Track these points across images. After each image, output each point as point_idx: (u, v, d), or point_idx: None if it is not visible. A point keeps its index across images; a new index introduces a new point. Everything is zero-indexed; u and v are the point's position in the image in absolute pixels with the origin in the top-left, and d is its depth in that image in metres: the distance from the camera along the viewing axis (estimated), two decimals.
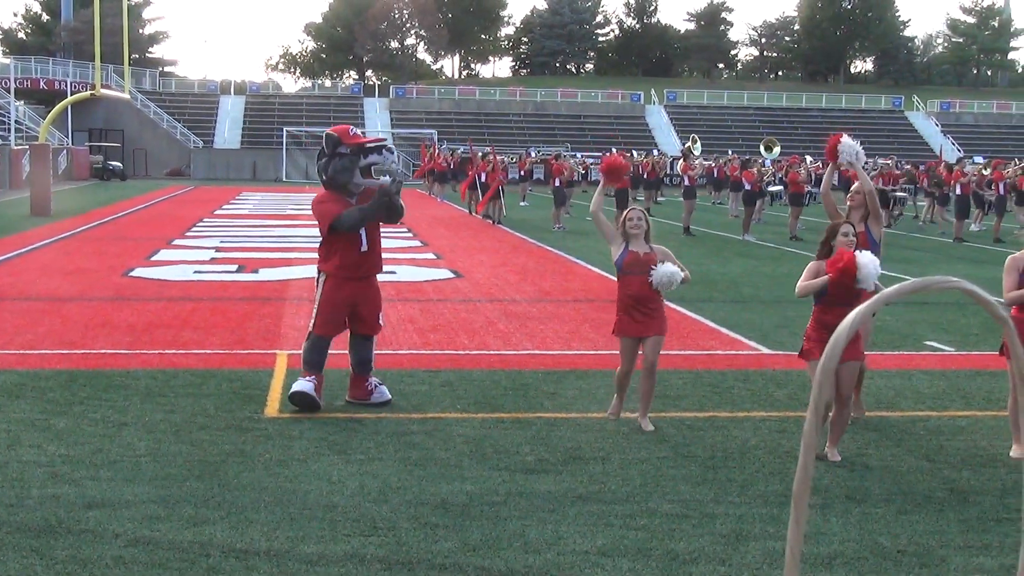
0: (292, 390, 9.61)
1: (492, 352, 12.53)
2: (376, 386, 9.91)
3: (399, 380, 10.84)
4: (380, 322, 10.12)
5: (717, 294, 17.86)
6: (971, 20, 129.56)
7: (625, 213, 9.40)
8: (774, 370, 11.68)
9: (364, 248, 9.83)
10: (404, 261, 22.03)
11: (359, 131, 10.28)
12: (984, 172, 35.59)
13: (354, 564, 6.09)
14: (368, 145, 9.87)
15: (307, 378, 9.68)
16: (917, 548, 6.52)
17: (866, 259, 7.96)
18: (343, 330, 10.04)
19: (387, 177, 9.90)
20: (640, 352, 9.29)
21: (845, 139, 10.19)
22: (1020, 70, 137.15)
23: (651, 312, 9.28)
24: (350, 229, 9.74)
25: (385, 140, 10.30)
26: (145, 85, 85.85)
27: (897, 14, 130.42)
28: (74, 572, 5.91)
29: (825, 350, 2.04)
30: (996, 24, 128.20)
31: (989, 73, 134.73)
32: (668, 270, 9.10)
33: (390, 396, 9.91)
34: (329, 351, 9.93)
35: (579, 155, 62.41)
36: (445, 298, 16.87)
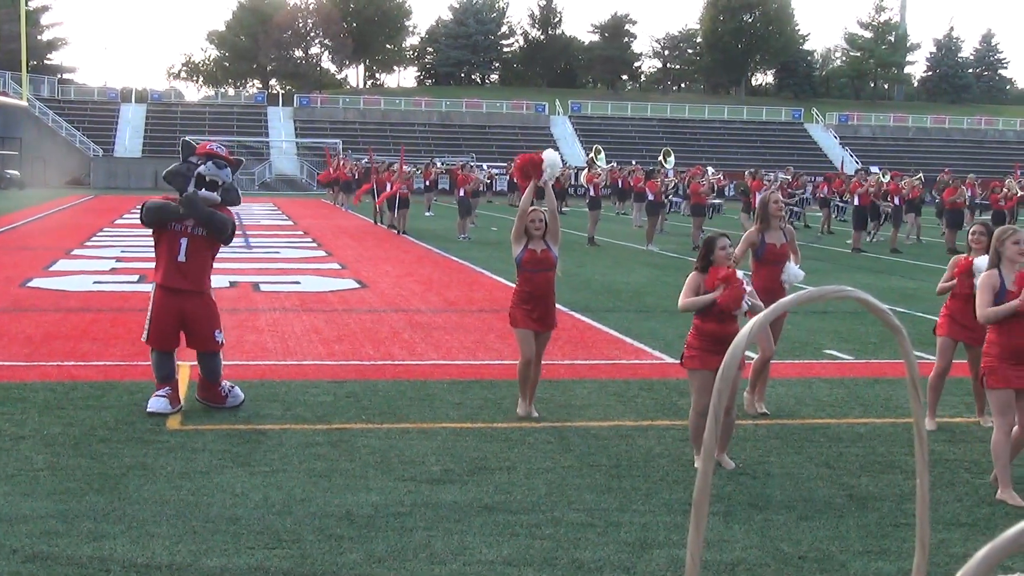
0: (147, 409, 9.61)
1: (397, 362, 12.50)
2: (229, 390, 9.96)
3: (304, 391, 10.78)
4: (217, 339, 9.96)
5: (621, 303, 17.99)
6: (868, 35, 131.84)
7: (529, 213, 9.71)
8: (677, 379, 11.76)
9: (181, 258, 9.73)
10: (308, 271, 21.88)
11: (226, 150, 10.19)
12: (882, 180, 36.27)
13: None
14: (208, 155, 9.84)
15: (159, 391, 9.71)
16: (818, 554, 6.62)
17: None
18: (178, 343, 9.98)
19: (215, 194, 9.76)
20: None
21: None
22: (915, 84, 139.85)
23: (548, 307, 9.84)
24: (148, 218, 9.77)
25: (226, 154, 10.12)
26: (44, 92, 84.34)
27: (797, 28, 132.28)
28: None
29: (725, 358, 2.06)
30: (892, 39, 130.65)
31: (886, 87, 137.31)
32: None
33: (243, 396, 10.03)
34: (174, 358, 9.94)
35: (484, 166, 62.40)
36: (350, 308, 16.79)
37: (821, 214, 40.31)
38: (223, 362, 10.20)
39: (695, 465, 8.38)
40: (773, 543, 6.78)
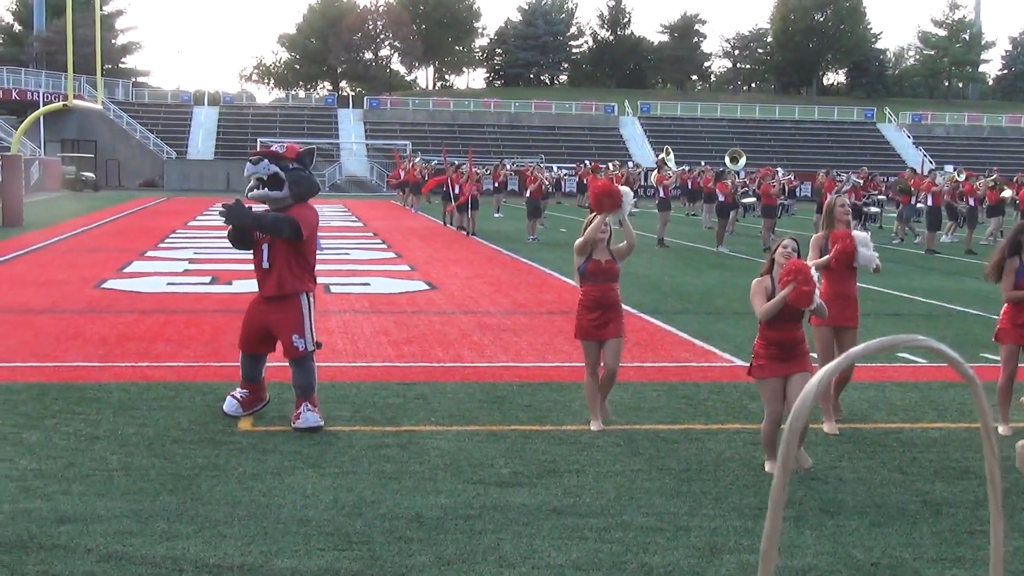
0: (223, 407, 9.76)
1: (466, 364, 12.53)
2: (304, 412, 9.35)
3: (373, 393, 10.83)
4: (297, 345, 9.41)
5: (691, 306, 17.90)
6: (942, 33, 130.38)
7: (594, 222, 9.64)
8: (747, 383, 11.66)
9: (265, 264, 9.50)
10: (378, 273, 22.01)
11: (285, 147, 9.91)
12: (958, 179, 35.84)
13: None
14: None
15: (235, 393, 9.80)
16: (890, 561, 6.54)
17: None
18: (258, 349, 9.75)
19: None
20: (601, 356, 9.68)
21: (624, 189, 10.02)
22: (991, 82, 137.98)
23: (612, 317, 9.61)
24: (232, 242, 9.75)
25: (267, 148, 9.93)
26: (118, 95, 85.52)
27: (869, 27, 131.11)
28: None
29: (794, 406, 2.04)
30: (967, 37, 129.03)
31: (960, 85, 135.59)
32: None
33: (318, 422, 9.31)
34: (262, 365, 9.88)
35: (554, 167, 62.38)
36: (419, 310, 16.85)
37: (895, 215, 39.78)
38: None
39: (766, 469, 8.33)
40: (845, 549, 6.71)
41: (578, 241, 9.67)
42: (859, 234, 10.03)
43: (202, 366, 12.14)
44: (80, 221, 37.32)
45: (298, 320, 9.44)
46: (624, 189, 9.90)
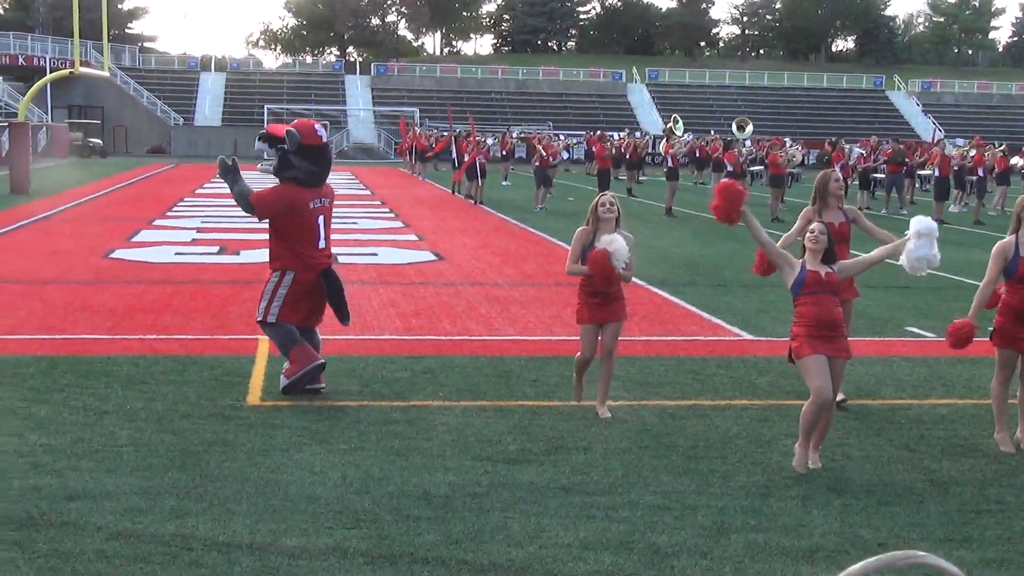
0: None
1: (474, 338, 12.53)
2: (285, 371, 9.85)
3: (381, 367, 10.85)
4: (257, 313, 10.06)
5: (699, 278, 17.88)
6: (952, 0, 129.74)
7: (598, 198, 9.31)
8: (756, 356, 11.70)
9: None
10: (386, 243, 21.99)
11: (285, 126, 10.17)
12: (969, 153, 35.73)
13: (337, 558, 6.09)
14: None
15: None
16: (898, 541, 6.54)
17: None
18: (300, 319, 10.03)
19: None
20: (599, 339, 9.28)
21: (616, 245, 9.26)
22: (1000, 49, 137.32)
23: (610, 298, 9.24)
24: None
25: (276, 127, 10.28)
26: (125, 61, 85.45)
27: None
28: (56, 566, 5.88)
29: None
30: (977, 3, 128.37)
31: (970, 52, 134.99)
32: (622, 246, 8.99)
33: (283, 382, 9.70)
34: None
35: (561, 135, 62.19)
36: (427, 281, 16.85)
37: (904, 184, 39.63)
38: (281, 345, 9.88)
39: (801, 465, 7.79)
40: (852, 529, 6.72)
41: (568, 266, 9.32)
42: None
43: (210, 339, 12.16)
44: (87, 189, 37.31)
45: (263, 292, 9.98)
46: (616, 245, 8.96)
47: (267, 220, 9.99)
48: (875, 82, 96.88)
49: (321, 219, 9.95)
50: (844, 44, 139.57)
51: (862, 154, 37.28)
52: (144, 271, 17.43)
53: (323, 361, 9.80)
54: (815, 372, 7.70)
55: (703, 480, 7.60)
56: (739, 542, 6.46)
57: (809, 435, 7.82)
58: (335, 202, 10.40)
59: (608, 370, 9.31)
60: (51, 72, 56.14)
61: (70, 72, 44.76)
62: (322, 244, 9.96)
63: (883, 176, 36.46)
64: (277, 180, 10.00)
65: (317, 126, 10.11)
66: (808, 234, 8.00)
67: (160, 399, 9.41)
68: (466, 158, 35.14)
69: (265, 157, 10.06)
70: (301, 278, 9.83)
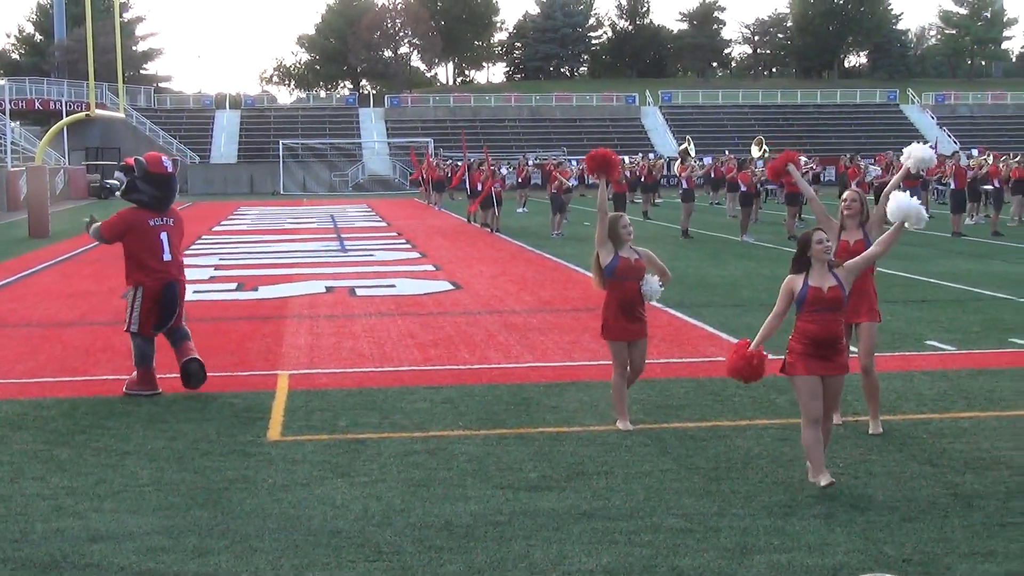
0: None
1: (493, 366, 12.54)
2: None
3: (401, 398, 10.86)
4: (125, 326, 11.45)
5: (717, 298, 17.86)
6: (963, 11, 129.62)
7: (620, 219, 9.52)
8: (775, 376, 11.62)
9: None
10: (403, 274, 22.04)
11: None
12: (986, 163, 35.68)
13: None
14: None
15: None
16: (922, 556, 6.51)
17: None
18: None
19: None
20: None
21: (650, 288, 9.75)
22: (1014, 60, 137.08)
23: (639, 316, 9.60)
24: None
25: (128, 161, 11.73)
26: (140, 102, 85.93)
27: (889, 7, 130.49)
28: None
29: None
30: (988, 15, 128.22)
31: (983, 64, 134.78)
32: (656, 286, 9.57)
33: (125, 390, 11.27)
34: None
35: (575, 161, 62.25)
36: (445, 311, 16.87)
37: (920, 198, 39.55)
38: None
39: (819, 482, 7.72)
40: (876, 546, 6.69)
41: (597, 233, 9.62)
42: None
43: (230, 375, 12.19)
44: None
45: (126, 307, 11.37)
46: (650, 288, 9.59)
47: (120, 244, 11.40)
48: (889, 96, 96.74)
49: (164, 236, 11.31)
50: (856, 59, 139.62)
51: (879, 172, 37.22)
52: None
53: (160, 392, 11.13)
54: (805, 394, 7.83)
55: (725, 501, 7.58)
56: (762, 563, 6.44)
57: (816, 455, 7.79)
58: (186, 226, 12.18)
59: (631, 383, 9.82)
60: (67, 115, 56.51)
61: (86, 115, 44.96)
62: (167, 257, 11.26)
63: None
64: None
65: (164, 158, 11.64)
66: (816, 244, 7.91)
67: (181, 437, 9.44)
68: (480, 187, 35.20)
69: (118, 183, 11.53)
70: (150, 290, 11.15)
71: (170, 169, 11.57)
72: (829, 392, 7.92)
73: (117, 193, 11.60)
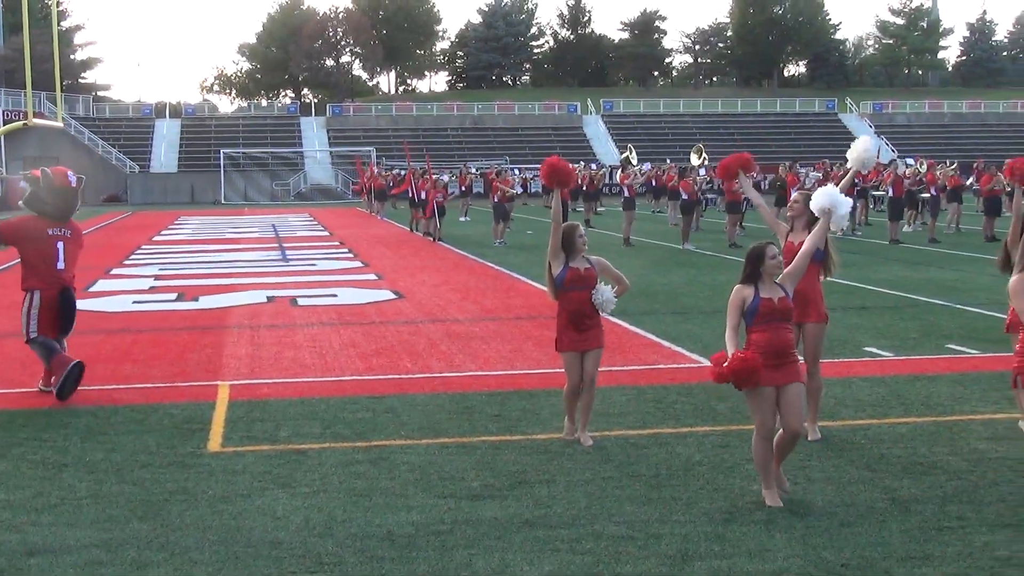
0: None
1: (435, 375, 12.52)
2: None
3: (343, 407, 10.81)
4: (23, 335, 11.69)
5: (658, 306, 17.94)
6: (900, 21, 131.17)
7: (576, 229, 9.37)
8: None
9: None
10: (345, 283, 21.94)
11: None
12: (920, 171, 36.11)
13: None
14: None
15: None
16: (861, 561, 6.58)
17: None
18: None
19: None
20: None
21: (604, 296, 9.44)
22: (950, 69, 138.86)
23: (592, 326, 9.40)
24: None
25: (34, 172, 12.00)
26: (79, 111, 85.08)
27: (828, 17, 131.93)
28: None
29: None
30: (925, 25, 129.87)
31: (920, 73, 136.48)
32: (609, 296, 9.32)
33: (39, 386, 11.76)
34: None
35: (517, 170, 62.33)
36: (387, 320, 16.82)
37: (858, 205, 39.92)
38: None
39: (766, 502, 7.64)
40: (815, 551, 6.74)
41: (551, 244, 9.40)
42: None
43: (170, 386, 12.08)
44: None
45: (21, 314, 11.63)
46: (603, 297, 9.32)
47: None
48: (827, 105, 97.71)
49: (60, 245, 11.60)
50: (796, 69, 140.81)
51: (819, 178, 37.51)
52: (102, 321, 17.32)
53: (79, 361, 11.39)
54: (759, 406, 7.69)
55: (666, 508, 7.62)
56: (703, 569, 6.47)
57: (767, 472, 7.72)
58: (83, 241, 12.13)
59: (590, 398, 9.46)
60: (4, 124, 55.83)
61: (23, 124, 44.34)
62: (61, 265, 11.58)
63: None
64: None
65: (70, 173, 11.99)
66: (770, 260, 7.84)
67: (120, 449, 9.34)
68: (423, 195, 35.15)
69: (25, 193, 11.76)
70: (45, 295, 11.46)
71: (74, 184, 11.95)
72: (788, 400, 7.70)
73: (20, 202, 11.86)
